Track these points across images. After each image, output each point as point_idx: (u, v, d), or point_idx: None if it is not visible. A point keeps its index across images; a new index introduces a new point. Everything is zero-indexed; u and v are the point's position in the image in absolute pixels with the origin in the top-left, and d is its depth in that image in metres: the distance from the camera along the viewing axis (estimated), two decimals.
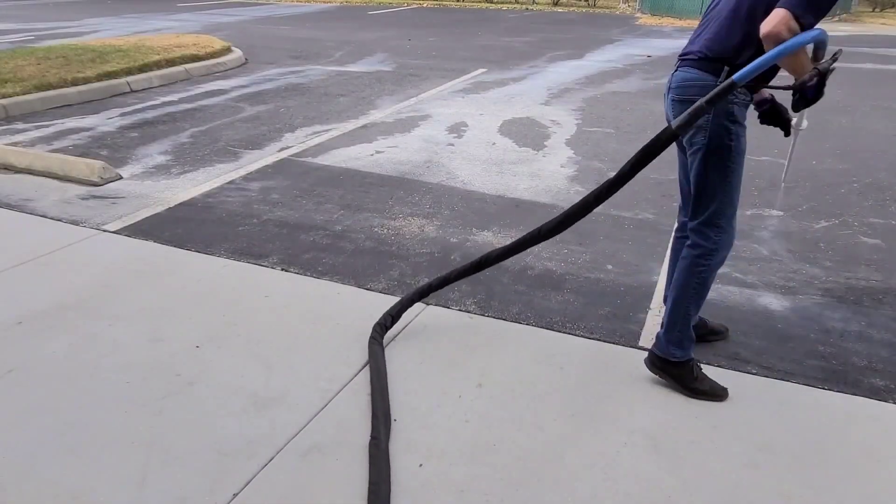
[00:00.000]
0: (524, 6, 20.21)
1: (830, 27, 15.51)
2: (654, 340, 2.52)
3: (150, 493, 1.97)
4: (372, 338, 2.68)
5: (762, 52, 1.98)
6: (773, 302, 3.16)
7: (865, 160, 5.32)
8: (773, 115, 2.39)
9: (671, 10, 16.95)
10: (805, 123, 2.33)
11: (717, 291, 3.23)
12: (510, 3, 20.95)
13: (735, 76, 2.01)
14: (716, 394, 2.41)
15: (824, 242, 3.82)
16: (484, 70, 9.17)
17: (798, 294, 3.24)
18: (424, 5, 20.00)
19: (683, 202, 2.57)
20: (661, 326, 2.49)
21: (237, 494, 1.97)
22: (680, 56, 2.35)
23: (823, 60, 2.00)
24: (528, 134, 5.99)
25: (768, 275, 3.43)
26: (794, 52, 1.93)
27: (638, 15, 17.75)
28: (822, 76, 1.99)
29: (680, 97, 2.29)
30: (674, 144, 2.25)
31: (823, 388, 2.52)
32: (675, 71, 2.34)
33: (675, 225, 2.68)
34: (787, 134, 2.42)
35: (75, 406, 2.34)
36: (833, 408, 2.41)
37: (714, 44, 2.20)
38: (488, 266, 2.69)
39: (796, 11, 1.90)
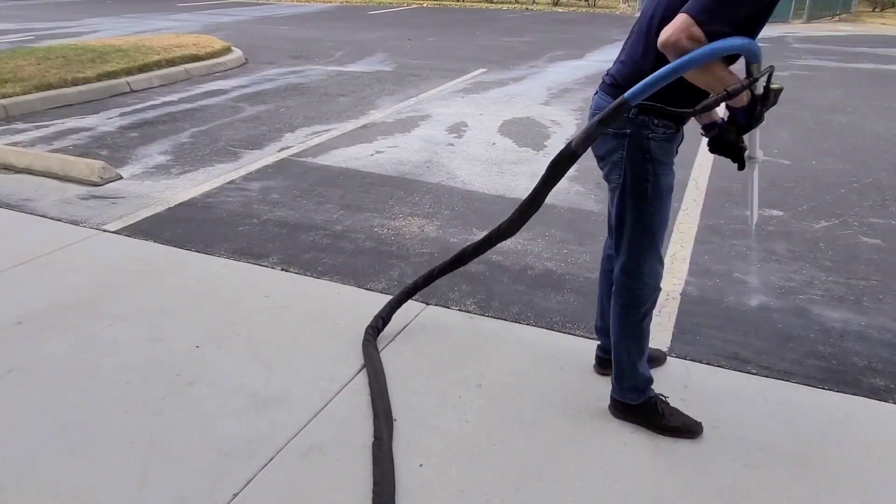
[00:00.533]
0: (524, 6, 20.21)
1: (831, 27, 15.50)
2: (611, 386, 2.32)
3: (150, 493, 1.97)
4: (365, 340, 2.68)
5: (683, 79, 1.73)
6: (772, 302, 3.16)
7: (865, 160, 5.32)
8: (723, 143, 1.97)
9: None
10: (760, 154, 1.96)
11: (717, 291, 3.24)
12: (510, 3, 20.95)
13: (627, 94, 1.74)
14: (689, 429, 2.21)
15: (824, 242, 3.81)
16: (484, 70, 9.17)
17: (798, 294, 3.24)
18: (424, 5, 20.00)
19: (609, 233, 2.36)
20: (612, 373, 2.29)
21: (237, 494, 1.97)
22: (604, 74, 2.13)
23: (754, 77, 1.73)
24: (528, 134, 5.99)
25: (768, 275, 3.43)
26: (705, 65, 1.65)
27: (638, 15, 17.75)
28: (755, 98, 1.75)
29: None
30: None
31: (823, 388, 2.51)
32: (595, 93, 2.13)
33: (603, 254, 2.47)
34: (740, 167, 2.02)
35: (75, 406, 2.34)
36: (833, 408, 2.41)
37: (625, 68, 1.98)
38: (466, 262, 2.60)
39: (699, 17, 1.62)
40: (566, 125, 6.30)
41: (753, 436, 2.24)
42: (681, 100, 1.82)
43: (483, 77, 8.70)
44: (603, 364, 2.52)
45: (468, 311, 3.02)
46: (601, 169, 2.14)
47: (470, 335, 2.82)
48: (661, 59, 1.75)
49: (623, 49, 2.05)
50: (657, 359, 2.60)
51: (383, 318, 2.78)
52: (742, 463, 2.12)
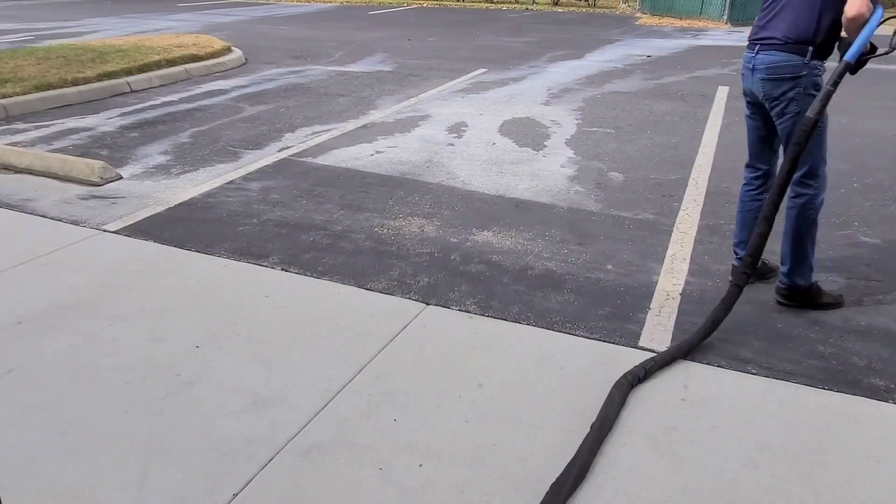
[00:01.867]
0: (524, 6, 20.20)
1: None
2: (777, 281, 3.10)
3: (150, 493, 1.97)
4: (618, 383, 2.45)
5: (836, 32, 2.67)
6: (773, 302, 3.15)
7: (865, 160, 5.32)
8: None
9: (671, 10, 16.95)
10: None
11: (717, 290, 3.23)
12: (510, 3, 20.95)
13: (847, 56, 2.54)
14: (837, 302, 3.06)
15: (824, 242, 3.81)
16: (484, 70, 9.17)
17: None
18: (424, 5, 20.00)
19: (752, 159, 3.17)
20: (783, 266, 3.03)
21: (237, 494, 1.97)
22: (756, 40, 2.89)
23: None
24: (528, 134, 5.99)
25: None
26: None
27: (638, 15, 17.75)
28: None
29: (771, 76, 2.84)
30: (741, 109, 3.06)
31: (823, 388, 2.51)
32: (756, 54, 2.88)
33: (743, 181, 3.22)
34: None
35: (75, 406, 2.34)
36: (833, 408, 2.40)
37: (796, 29, 2.74)
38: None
39: None
40: (566, 125, 6.30)
41: (753, 436, 2.24)
42: (828, 47, 2.72)
43: (483, 77, 8.69)
44: (736, 273, 2.93)
45: (468, 311, 3.02)
46: (773, 108, 2.90)
47: (470, 335, 2.82)
48: (826, 22, 2.69)
49: (774, 16, 2.83)
50: (773, 270, 3.26)
51: (647, 370, 2.54)
52: (742, 463, 2.12)
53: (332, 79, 8.45)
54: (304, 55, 10.26)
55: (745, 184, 3.21)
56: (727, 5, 15.45)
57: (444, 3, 20.62)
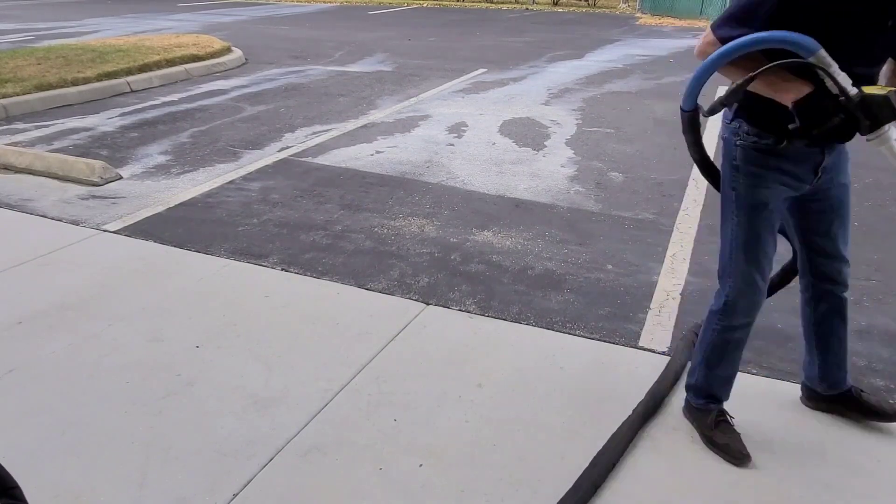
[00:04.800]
0: (524, 6, 20.20)
1: None
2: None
3: (150, 493, 1.97)
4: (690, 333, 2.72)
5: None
6: (773, 302, 3.15)
7: (865, 160, 5.32)
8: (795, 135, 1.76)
9: (671, 10, 16.94)
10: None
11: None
12: (510, 3, 20.95)
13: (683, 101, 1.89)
14: (730, 453, 2.10)
15: None
16: (484, 70, 9.16)
17: (798, 294, 3.23)
18: (424, 5, 19.99)
19: None
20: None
21: (237, 494, 1.97)
22: None
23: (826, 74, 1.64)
24: (527, 134, 5.99)
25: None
26: (731, 66, 1.76)
27: (638, 15, 17.74)
28: (820, 98, 1.66)
29: None
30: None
31: None
32: None
33: None
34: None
35: (75, 406, 2.34)
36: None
37: None
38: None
39: (713, 24, 1.80)
40: (566, 125, 6.30)
41: (753, 436, 2.23)
42: (765, 112, 1.82)
43: (483, 77, 8.69)
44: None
45: (468, 311, 3.02)
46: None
47: (470, 335, 2.82)
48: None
49: None
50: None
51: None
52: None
53: (332, 79, 8.45)
54: (304, 55, 10.25)
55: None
56: (727, 5, 15.44)
57: (444, 3, 20.62)
